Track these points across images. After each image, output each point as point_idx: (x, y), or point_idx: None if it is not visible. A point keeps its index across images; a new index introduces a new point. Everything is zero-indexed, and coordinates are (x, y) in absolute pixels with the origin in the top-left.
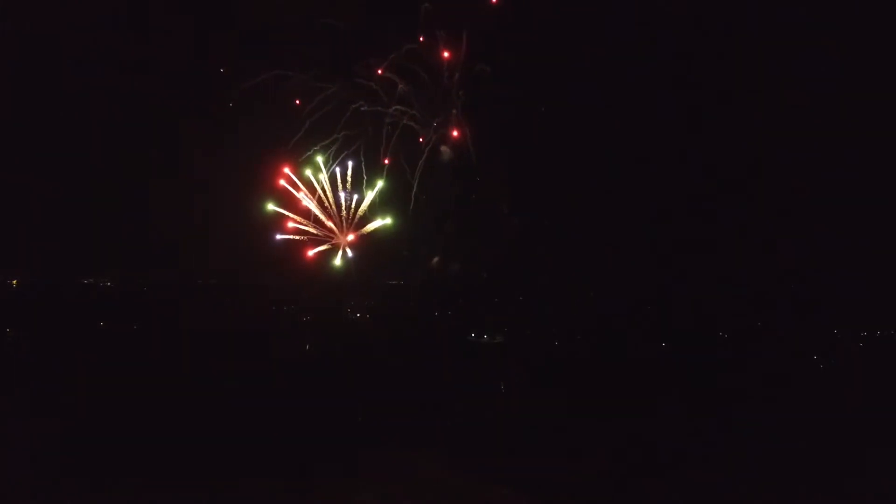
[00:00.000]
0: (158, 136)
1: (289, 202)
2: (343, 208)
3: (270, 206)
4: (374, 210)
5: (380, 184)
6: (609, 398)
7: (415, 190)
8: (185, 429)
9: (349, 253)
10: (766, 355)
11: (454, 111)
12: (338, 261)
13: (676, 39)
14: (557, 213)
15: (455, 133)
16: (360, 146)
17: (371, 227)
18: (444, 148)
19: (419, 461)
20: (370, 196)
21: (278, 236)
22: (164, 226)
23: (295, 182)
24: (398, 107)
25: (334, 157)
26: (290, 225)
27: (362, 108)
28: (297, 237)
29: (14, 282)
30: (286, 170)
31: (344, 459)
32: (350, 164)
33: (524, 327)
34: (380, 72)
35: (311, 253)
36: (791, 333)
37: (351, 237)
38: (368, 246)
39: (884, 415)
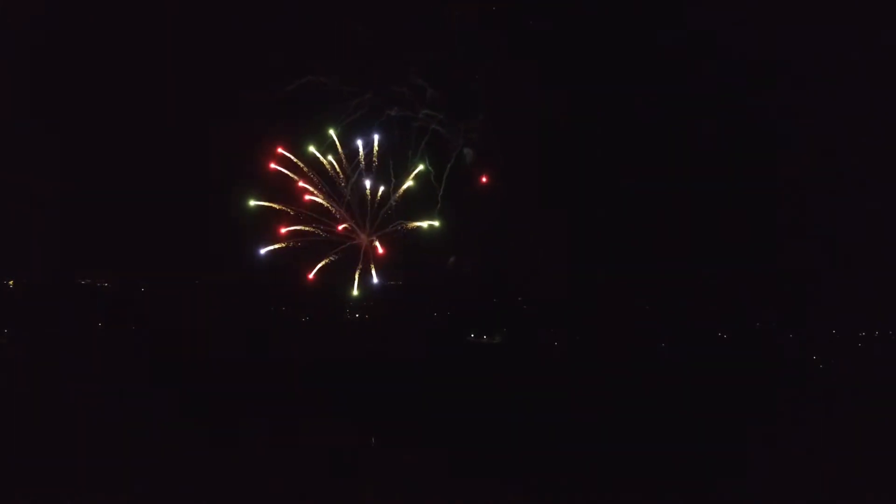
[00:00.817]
0: (164, 138)
1: (286, 194)
2: (368, 199)
3: (257, 203)
4: (406, 204)
5: (420, 167)
6: (609, 398)
7: (441, 192)
8: (183, 432)
9: (375, 276)
10: (766, 355)
11: (481, 116)
12: (356, 289)
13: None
14: (572, 214)
15: (483, 178)
16: (391, 148)
17: (412, 225)
18: (467, 150)
19: (420, 461)
20: (407, 183)
21: (263, 250)
22: (163, 226)
23: (294, 167)
24: (427, 111)
25: (349, 132)
26: (289, 227)
27: (391, 113)
28: (295, 243)
29: (11, 282)
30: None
31: (345, 459)
32: (376, 137)
33: (523, 328)
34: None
35: (311, 275)
36: (791, 334)
37: (380, 250)
38: (394, 249)
39: (883, 415)
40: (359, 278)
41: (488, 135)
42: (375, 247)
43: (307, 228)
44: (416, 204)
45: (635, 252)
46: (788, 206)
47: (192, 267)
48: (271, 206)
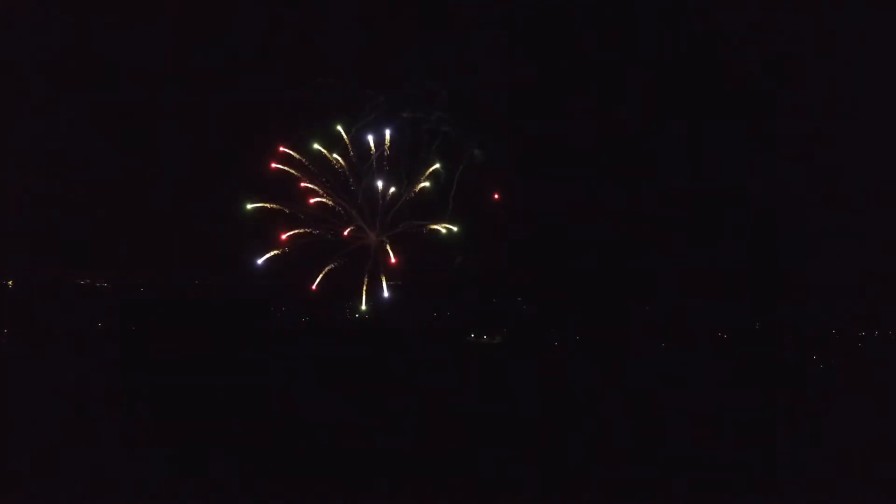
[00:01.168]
0: (164, 138)
1: (290, 195)
2: (379, 199)
3: (260, 205)
4: (415, 204)
5: (437, 165)
6: (608, 398)
7: (452, 193)
8: (183, 432)
9: (385, 289)
10: (765, 355)
11: (489, 119)
12: (364, 303)
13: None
14: (573, 213)
15: (495, 195)
16: (403, 148)
17: (431, 227)
18: (477, 151)
19: (420, 461)
20: (423, 183)
21: (261, 259)
22: (162, 226)
23: (299, 167)
24: (439, 113)
25: (356, 132)
26: (291, 232)
27: (404, 115)
28: (298, 247)
29: (10, 282)
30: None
31: (345, 459)
32: (387, 132)
33: (523, 328)
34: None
35: (314, 286)
36: (791, 334)
37: (392, 258)
38: (405, 256)
39: (883, 415)
40: (367, 288)
41: (496, 136)
42: (386, 249)
43: (312, 231)
44: (426, 204)
45: (635, 252)
46: (787, 205)
47: (192, 267)
48: (274, 208)
